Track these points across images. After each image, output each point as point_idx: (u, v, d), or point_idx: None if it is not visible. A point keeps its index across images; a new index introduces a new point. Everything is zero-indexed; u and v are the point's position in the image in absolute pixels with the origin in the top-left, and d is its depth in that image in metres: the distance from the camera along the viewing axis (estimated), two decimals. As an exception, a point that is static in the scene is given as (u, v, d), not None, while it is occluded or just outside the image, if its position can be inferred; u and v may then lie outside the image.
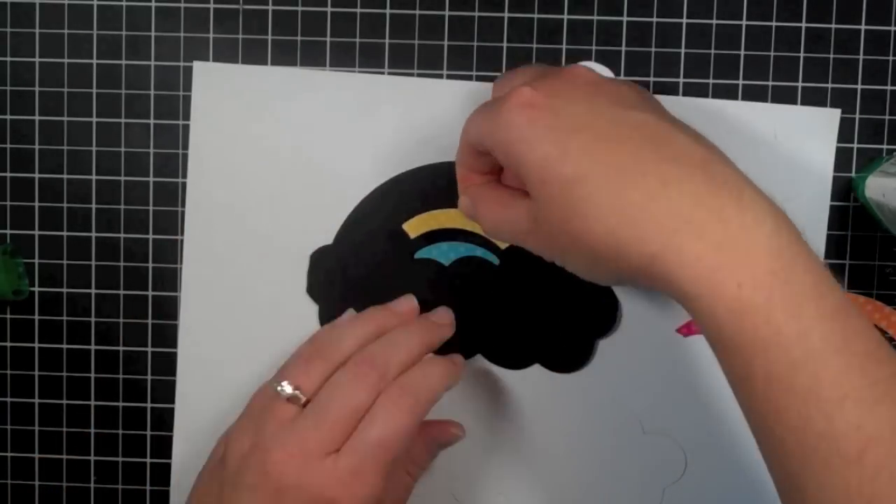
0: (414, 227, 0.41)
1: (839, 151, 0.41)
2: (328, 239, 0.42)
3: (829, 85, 0.41)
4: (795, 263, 0.28)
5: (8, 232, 0.43)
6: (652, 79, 0.41)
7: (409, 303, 0.40)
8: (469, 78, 0.41)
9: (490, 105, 0.34)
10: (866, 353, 0.28)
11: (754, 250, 0.28)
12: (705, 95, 0.41)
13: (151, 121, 0.42)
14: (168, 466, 0.43)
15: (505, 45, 0.41)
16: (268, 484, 0.33)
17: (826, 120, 0.41)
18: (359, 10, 0.41)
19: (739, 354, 0.28)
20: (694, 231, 0.29)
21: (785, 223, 0.29)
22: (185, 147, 0.42)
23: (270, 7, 0.41)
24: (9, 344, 0.43)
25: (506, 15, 0.41)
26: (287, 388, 0.35)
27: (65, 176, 0.42)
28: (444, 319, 0.40)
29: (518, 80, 0.35)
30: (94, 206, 0.42)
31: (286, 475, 0.33)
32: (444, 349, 0.42)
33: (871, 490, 0.27)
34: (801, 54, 0.41)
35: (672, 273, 0.29)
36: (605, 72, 0.41)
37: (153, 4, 0.42)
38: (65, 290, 0.43)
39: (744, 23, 0.41)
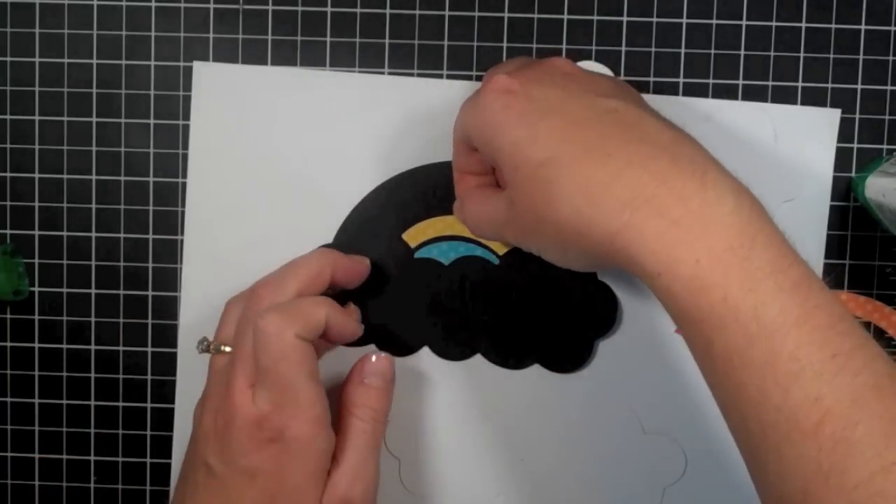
0: (413, 236, 0.41)
1: (839, 151, 0.41)
2: (328, 238, 0.42)
3: (829, 85, 0.41)
4: (756, 240, 0.28)
5: (8, 232, 0.43)
6: (652, 79, 0.41)
7: (362, 260, 0.41)
8: (469, 78, 0.41)
9: (472, 96, 0.35)
10: (829, 325, 0.28)
11: (713, 227, 0.28)
12: (705, 95, 0.41)
13: (151, 121, 0.42)
14: (168, 466, 0.43)
15: (505, 45, 0.41)
16: (214, 427, 0.35)
17: (826, 120, 0.41)
18: (359, 10, 0.41)
19: (699, 330, 0.28)
20: (654, 208, 0.29)
21: (748, 200, 0.29)
22: (185, 147, 0.42)
23: (270, 7, 0.41)
24: (9, 344, 0.43)
25: (506, 15, 0.41)
26: (202, 345, 0.37)
27: (65, 176, 0.42)
28: (356, 257, 0.40)
29: (500, 70, 0.36)
30: (94, 206, 0.42)
31: (225, 414, 0.34)
32: (444, 349, 0.42)
33: (830, 462, 0.26)
34: (801, 54, 0.41)
35: (633, 250, 0.29)
36: (605, 72, 0.41)
37: (153, 4, 0.42)
38: (65, 290, 0.43)
39: (744, 23, 0.41)
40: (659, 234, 0.29)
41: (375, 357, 0.39)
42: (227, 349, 0.37)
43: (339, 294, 0.40)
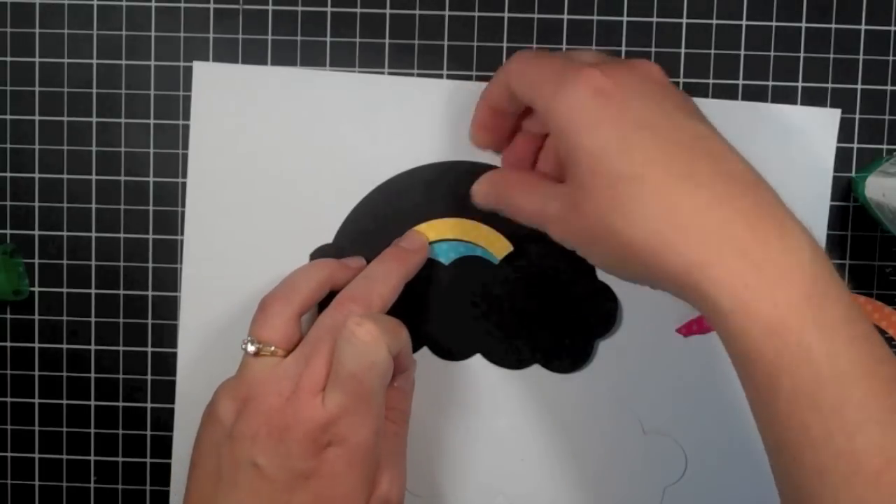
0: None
1: (839, 151, 0.41)
2: (328, 238, 0.42)
3: (829, 85, 0.41)
4: (829, 290, 0.30)
5: (8, 232, 0.43)
6: (652, 79, 0.41)
7: (357, 261, 0.41)
8: (469, 78, 0.41)
9: (557, 71, 0.33)
10: (891, 378, 0.29)
11: (792, 274, 0.29)
12: (705, 95, 0.41)
13: (151, 121, 0.42)
14: (168, 466, 0.43)
15: (505, 45, 0.41)
16: (267, 429, 0.34)
17: (826, 120, 0.41)
18: (359, 10, 0.41)
19: (766, 370, 0.29)
20: (738, 248, 0.30)
21: (819, 252, 0.31)
22: (185, 147, 0.42)
23: (270, 7, 0.41)
24: (9, 344, 0.43)
25: (506, 15, 0.41)
26: (250, 346, 0.36)
27: (65, 176, 0.42)
28: (414, 244, 0.40)
29: (585, 60, 0.35)
30: (94, 206, 0.42)
31: (286, 415, 0.34)
32: (443, 348, 0.42)
33: None
34: (801, 54, 0.41)
35: (708, 285, 0.30)
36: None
37: (153, 4, 0.42)
38: (65, 290, 0.43)
39: (744, 23, 0.41)
40: (739, 274, 0.29)
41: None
42: (281, 352, 0.36)
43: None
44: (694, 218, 0.30)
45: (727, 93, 0.41)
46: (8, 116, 0.42)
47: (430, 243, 0.41)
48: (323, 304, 0.39)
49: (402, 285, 0.39)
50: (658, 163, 0.31)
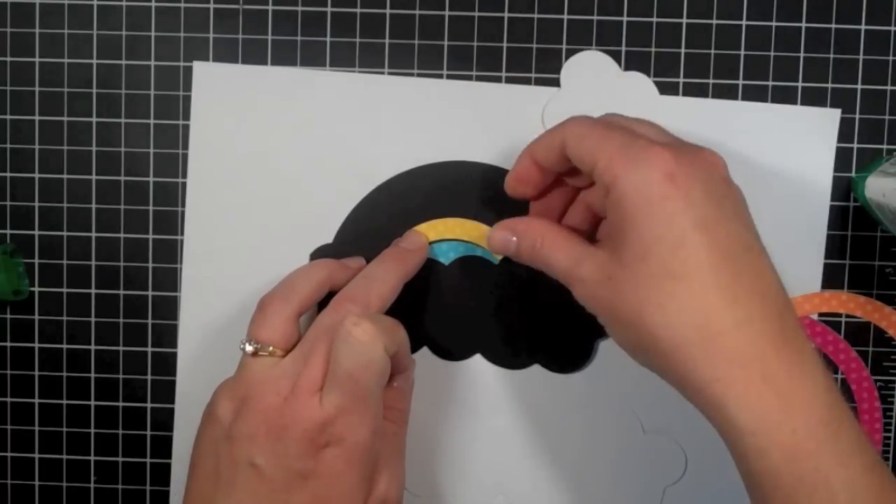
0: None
1: (839, 151, 0.41)
2: (328, 238, 0.42)
3: (829, 85, 0.41)
4: (843, 418, 0.31)
5: (8, 232, 0.43)
6: (652, 79, 0.41)
7: (357, 261, 0.41)
8: (469, 78, 0.41)
9: (626, 143, 0.33)
10: None
11: (810, 401, 0.30)
12: (705, 95, 0.41)
13: (151, 121, 0.42)
14: (168, 466, 0.43)
15: (505, 45, 0.41)
16: (266, 428, 0.34)
17: (826, 120, 0.41)
18: (359, 10, 0.41)
19: (784, 494, 0.30)
20: (762, 372, 0.30)
21: (831, 379, 0.32)
22: (185, 147, 0.42)
23: (270, 7, 0.41)
24: (9, 344, 0.43)
25: (506, 15, 0.41)
26: (248, 347, 0.36)
27: (65, 176, 0.42)
28: (413, 244, 0.41)
29: (652, 135, 0.34)
30: (94, 206, 0.42)
31: (284, 415, 0.34)
32: (443, 348, 0.42)
33: None
34: (801, 54, 0.41)
35: (729, 402, 0.30)
36: (611, 64, 0.41)
37: (153, 4, 0.42)
38: (65, 290, 0.43)
39: (744, 23, 0.41)
40: (760, 397, 0.30)
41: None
42: (279, 352, 0.36)
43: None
44: (725, 334, 0.31)
45: (727, 93, 0.41)
46: (8, 116, 0.42)
47: (430, 243, 0.41)
48: (323, 304, 0.39)
49: (401, 285, 0.39)
50: (705, 268, 0.31)
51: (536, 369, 0.42)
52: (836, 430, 0.30)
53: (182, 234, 0.42)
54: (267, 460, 0.34)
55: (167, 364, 0.43)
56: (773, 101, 0.41)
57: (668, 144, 0.33)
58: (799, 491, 0.30)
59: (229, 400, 0.36)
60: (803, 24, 0.41)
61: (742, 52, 0.41)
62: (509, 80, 0.41)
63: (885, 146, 0.41)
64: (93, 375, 0.43)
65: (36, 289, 0.43)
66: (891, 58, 0.41)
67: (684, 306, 0.31)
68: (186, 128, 0.42)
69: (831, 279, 0.41)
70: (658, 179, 0.31)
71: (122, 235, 0.42)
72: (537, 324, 0.41)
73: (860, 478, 0.30)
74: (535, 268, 0.37)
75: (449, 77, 0.41)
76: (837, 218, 0.41)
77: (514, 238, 0.37)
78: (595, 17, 0.41)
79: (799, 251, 0.41)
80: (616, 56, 0.41)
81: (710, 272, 0.31)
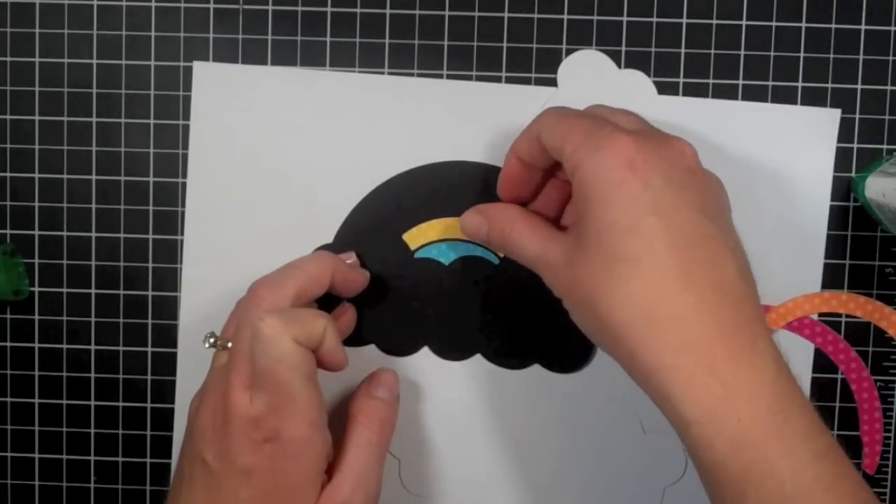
0: (413, 237, 0.41)
1: (839, 151, 0.41)
2: (328, 238, 0.42)
3: (829, 85, 0.41)
4: (793, 406, 0.31)
5: (8, 232, 0.43)
6: (652, 79, 0.41)
7: (349, 256, 0.41)
8: (469, 78, 0.41)
9: (590, 130, 0.33)
10: (852, 493, 0.30)
11: (757, 391, 0.30)
12: (705, 95, 0.41)
13: (151, 121, 0.42)
14: (168, 466, 0.43)
15: (505, 45, 0.41)
16: (212, 425, 0.35)
17: (826, 120, 0.41)
18: (359, 10, 0.41)
19: (732, 484, 0.30)
20: (706, 362, 0.30)
21: (785, 369, 0.31)
22: (185, 147, 0.42)
23: (270, 7, 0.41)
24: (9, 344, 0.43)
25: (506, 15, 0.41)
26: (208, 340, 0.37)
27: (65, 176, 0.42)
28: (361, 272, 0.41)
29: (623, 122, 0.35)
30: (94, 206, 0.42)
31: (225, 412, 0.34)
32: (444, 349, 0.42)
33: None
34: (801, 54, 0.41)
35: (674, 391, 0.30)
36: (609, 64, 0.41)
37: (153, 4, 0.42)
38: (65, 290, 0.43)
39: (744, 23, 0.41)
40: (705, 388, 0.30)
41: (384, 371, 0.40)
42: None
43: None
44: (673, 321, 0.31)
45: (727, 93, 0.41)
46: (8, 116, 0.42)
47: (431, 243, 0.41)
48: (321, 301, 0.39)
49: (325, 278, 0.38)
50: (657, 254, 0.31)
51: (536, 369, 0.42)
52: (784, 419, 0.30)
53: (182, 234, 0.42)
54: (213, 456, 0.35)
55: (167, 364, 0.43)
56: (773, 101, 0.41)
57: (635, 132, 0.33)
58: (746, 480, 0.30)
59: (197, 397, 0.37)
60: (803, 24, 0.41)
61: (742, 52, 0.41)
62: (509, 80, 0.41)
63: (885, 146, 0.41)
64: (93, 375, 0.43)
65: (36, 289, 0.43)
66: (891, 58, 0.41)
67: (633, 291, 0.31)
68: (186, 128, 0.42)
69: (831, 279, 0.41)
70: (617, 165, 0.32)
71: (122, 235, 0.42)
72: (537, 324, 0.41)
73: (809, 466, 0.30)
74: (505, 253, 0.38)
75: (449, 77, 0.41)
76: (837, 218, 0.41)
77: (486, 223, 0.38)
78: (595, 17, 0.41)
79: (799, 251, 0.41)
80: (616, 56, 0.41)
81: (661, 258, 0.31)
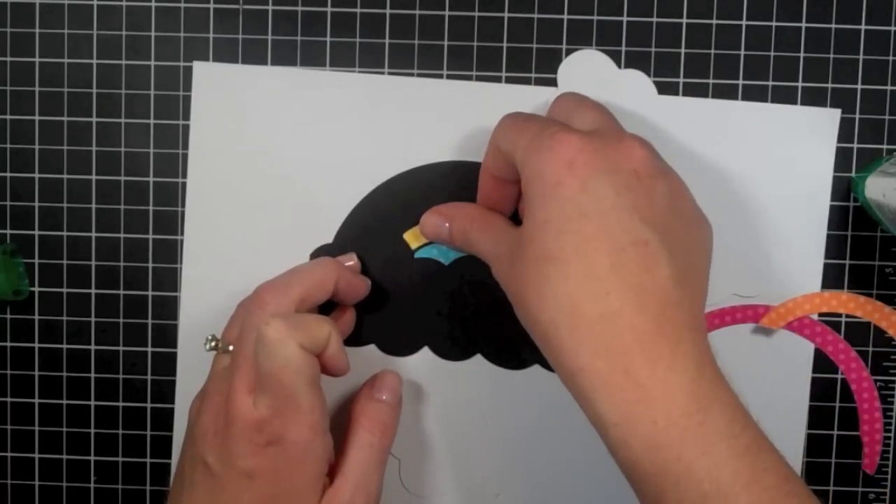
0: (414, 237, 0.41)
1: (839, 151, 0.41)
2: (328, 238, 0.42)
3: (829, 85, 0.41)
4: (712, 406, 0.31)
5: (8, 232, 0.43)
6: (652, 79, 0.41)
7: (350, 257, 0.41)
8: (469, 78, 0.41)
9: (537, 131, 0.33)
10: (776, 486, 0.30)
11: (673, 393, 0.30)
12: (705, 95, 0.41)
13: (151, 121, 0.42)
14: (168, 466, 0.43)
15: (505, 45, 0.41)
16: (214, 428, 0.35)
17: (826, 120, 0.41)
18: (359, 10, 0.41)
19: (651, 484, 0.31)
20: (623, 365, 0.31)
21: (709, 371, 0.31)
22: (185, 147, 0.42)
23: (270, 7, 0.41)
24: (9, 344, 0.43)
25: (506, 15, 0.41)
26: (210, 343, 0.37)
27: (65, 176, 0.42)
28: (347, 260, 0.41)
29: (586, 116, 0.35)
30: (94, 206, 0.42)
31: (228, 415, 0.34)
32: (444, 349, 0.42)
33: None
34: (801, 54, 0.41)
35: (592, 394, 0.31)
36: (609, 64, 0.41)
37: (153, 4, 0.42)
38: (65, 290, 0.43)
39: (744, 23, 0.41)
40: (621, 389, 0.31)
41: (387, 373, 0.40)
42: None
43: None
44: (592, 324, 0.31)
45: (727, 93, 0.41)
46: (8, 116, 0.42)
47: (431, 243, 0.41)
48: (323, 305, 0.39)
49: (329, 284, 0.38)
50: (583, 256, 0.31)
51: (536, 369, 0.42)
52: (700, 420, 0.30)
53: (182, 234, 0.42)
54: (215, 459, 0.35)
55: (167, 364, 0.43)
56: (773, 101, 0.41)
57: (585, 132, 0.33)
58: (664, 481, 0.30)
59: (198, 399, 0.37)
60: (803, 24, 0.41)
61: (742, 52, 0.41)
62: (509, 81, 0.41)
63: (885, 146, 0.41)
64: (93, 375, 0.43)
65: (36, 289, 0.43)
66: (891, 58, 0.41)
67: (557, 291, 0.31)
68: (186, 128, 0.42)
69: (831, 279, 0.41)
70: (556, 166, 0.32)
71: (122, 235, 0.42)
72: (537, 324, 0.41)
73: (726, 464, 0.30)
74: (465, 251, 0.38)
75: (449, 77, 0.41)
76: (837, 218, 0.41)
77: (447, 224, 0.38)
78: (595, 17, 0.41)
79: (799, 251, 0.41)
80: (616, 56, 0.41)
81: (586, 261, 0.31)
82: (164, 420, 0.43)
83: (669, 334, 0.31)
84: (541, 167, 0.32)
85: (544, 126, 0.34)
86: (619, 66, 0.41)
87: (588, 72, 0.41)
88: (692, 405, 0.30)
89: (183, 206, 0.42)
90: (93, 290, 0.43)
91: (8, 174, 0.43)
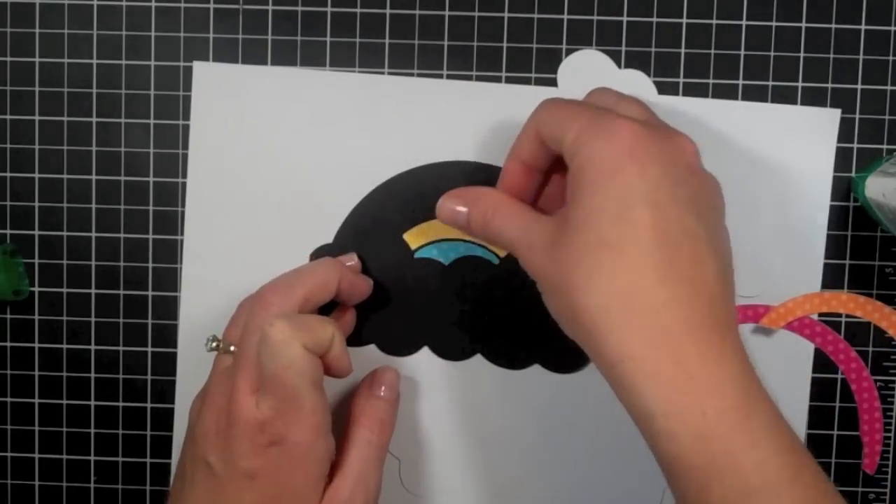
0: (414, 237, 0.41)
1: (839, 151, 0.41)
2: (328, 238, 0.42)
3: (829, 85, 0.41)
4: (757, 402, 0.31)
5: (8, 232, 0.43)
6: (652, 79, 0.41)
7: (350, 258, 0.41)
8: (469, 78, 0.41)
9: (594, 115, 0.33)
10: (814, 484, 0.31)
11: (723, 386, 0.30)
12: (705, 95, 0.41)
13: (151, 121, 0.42)
14: (168, 466, 0.43)
15: (505, 45, 0.41)
16: (216, 428, 0.35)
17: (826, 120, 0.41)
18: (359, 10, 0.41)
19: (696, 477, 0.30)
20: (676, 354, 0.30)
21: (751, 369, 0.32)
22: (185, 147, 0.42)
23: (270, 7, 0.41)
24: (9, 344, 0.43)
25: (506, 15, 0.41)
26: (211, 343, 0.37)
27: (65, 176, 0.42)
28: (348, 260, 0.41)
29: (631, 109, 0.35)
30: (94, 206, 0.42)
31: (230, 416, 0.34)
32: (444, 349, 0.42)
33: None
34: (801, 54, 0.41)
35: (640, 382, 0.30)
36: (609, 64, 0.41)
37: (153, 4, 0.42)
38: (65, 290, 0.43)
39: (744, 23, 0.41)
40: (672, 380, 0.30)
41: (385, 370, 0.40)
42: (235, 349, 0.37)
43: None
44: (646, 312, 0.31)
45: (727, 93, 0.41)
46: (8, 116, 0.42)
47: (431, 243, 0.41)
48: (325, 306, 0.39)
49: (332, 284, 0.38)
50: (641, 245, 0.31)
51: (536, 369, 0.42)
52: (748, 414, 0.30)
53: (182, 234, 0.42)
54: (217, 459, 0.35)
55: (167, 364, 0.43)
56: (773, 101, 0.41)
57: (640, 122, 0.33)
58: (710, 474, 0.30)
59: (198, 399, 0.37)
60: (803, 24, 0.41)
61: (742, 52, 0.41)
62: (509, 81, 0.41)
63: (885, 146, 0.41)
64: (93, 375, 0.43)
65: (36, 289, 0.43)
66: (891, 58, 0.41)
67: (612, 277, 0.31)
68: (186, 128, 0.42)
69: (831, 279, 0.41)
70: (617, 151, 0.32)
71: (122, 235, 0.42)
72: (537, 324, 0.41)
73: (773, 459, 0.30)
74: (484, 239, 0.37)
75: (449, 77, 0.41)
76: (837, 218, 0.41)
77: (464, 209, 0.37)
78: (595, 17, 0.41)
79: (799, 251, 0.41)
80: (616, 56, 0.41)
81: (644, 250, 0.31)
82: (164, 420, 0.43)
83: (718, 328, 0.31)
84: (600, 153, 0.32)
85: (600, 111, 0.33)
86: (619, 66, 0.41)
87: (588, 72, 0.41)
88: (740, 399, 0.30)
89: (183, 206, 0.42)
90: (93, 290, 0.43)
91: (8, 174, 0.43)
